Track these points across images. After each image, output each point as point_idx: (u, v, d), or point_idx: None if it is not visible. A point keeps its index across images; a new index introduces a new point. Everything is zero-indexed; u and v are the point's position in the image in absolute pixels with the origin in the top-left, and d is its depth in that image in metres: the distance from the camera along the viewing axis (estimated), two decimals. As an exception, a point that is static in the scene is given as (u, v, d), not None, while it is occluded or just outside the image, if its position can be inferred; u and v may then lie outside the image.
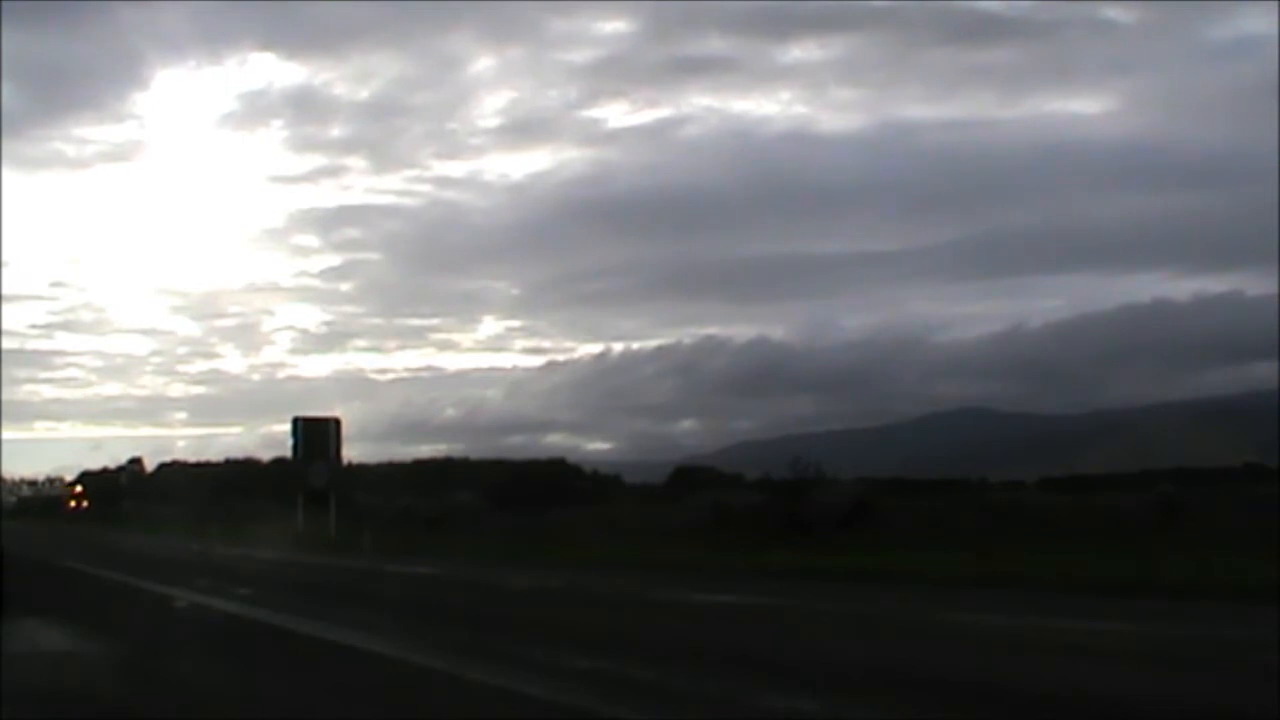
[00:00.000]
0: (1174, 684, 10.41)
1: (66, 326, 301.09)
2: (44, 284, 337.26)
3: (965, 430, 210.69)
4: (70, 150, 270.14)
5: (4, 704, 10.11)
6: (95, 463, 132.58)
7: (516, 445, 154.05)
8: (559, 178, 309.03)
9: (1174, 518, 34.15)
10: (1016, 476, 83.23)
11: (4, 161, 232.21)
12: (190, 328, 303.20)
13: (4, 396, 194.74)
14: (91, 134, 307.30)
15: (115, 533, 60.94)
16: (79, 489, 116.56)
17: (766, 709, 9.58)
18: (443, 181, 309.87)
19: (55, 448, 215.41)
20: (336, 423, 53.73)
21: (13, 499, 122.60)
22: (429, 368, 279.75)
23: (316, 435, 52.18)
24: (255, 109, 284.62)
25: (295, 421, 52.48)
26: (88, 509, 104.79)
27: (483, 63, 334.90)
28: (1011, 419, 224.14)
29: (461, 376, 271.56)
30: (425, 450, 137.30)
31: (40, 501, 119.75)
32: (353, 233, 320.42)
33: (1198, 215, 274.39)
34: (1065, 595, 19.04)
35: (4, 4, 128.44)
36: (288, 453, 54.31)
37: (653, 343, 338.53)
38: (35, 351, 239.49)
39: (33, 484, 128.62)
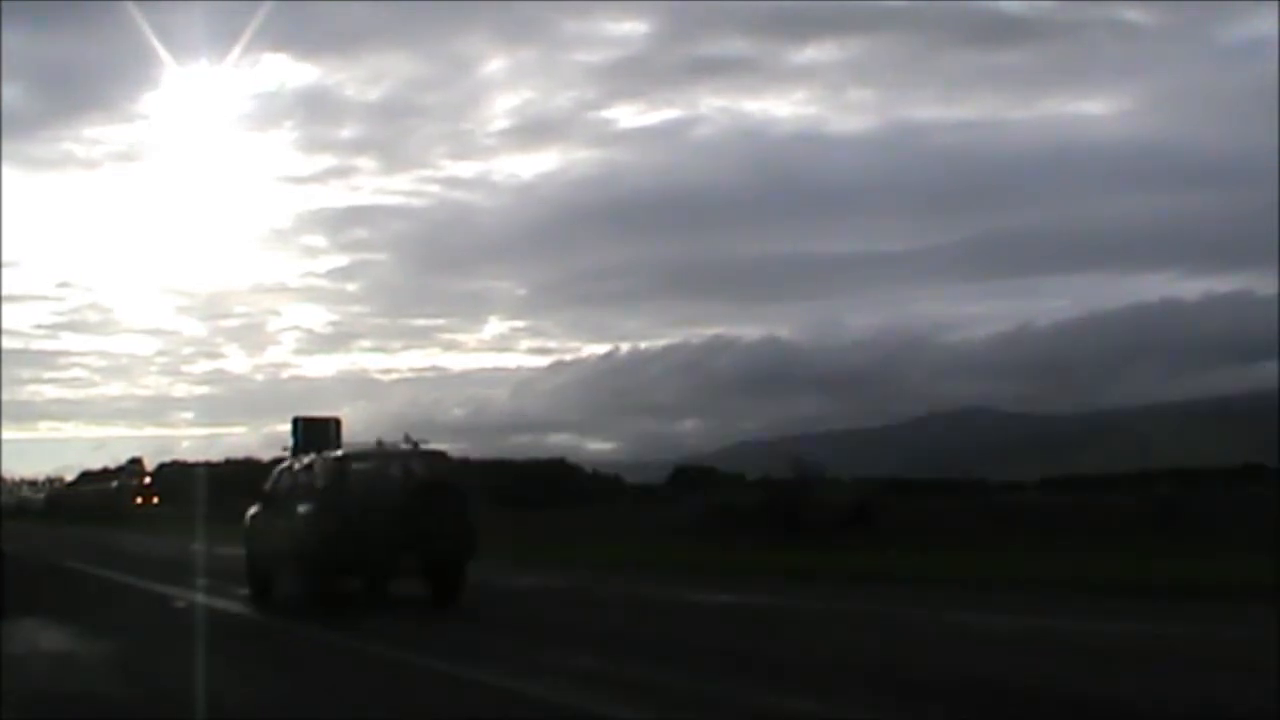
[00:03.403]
0: (1174, 684, 10.41)
1: (72, 327, 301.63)
2: (50, 284, 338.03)
3: (965, 430, 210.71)
4: (80, 151, 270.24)
5: (4, 704, 10.11)
6: (96, 463, 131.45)
7: (520, 445, 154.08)
8: (567, 178, 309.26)
9: (1174, 518, 34.13)
10: (1016, 476, 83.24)
11: (14, 162, 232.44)
12: (196, 328, 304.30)
13: (7, 396, 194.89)
14: (101, 134, 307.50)
15: (115, 532, 60.89)
16: (148, 480, 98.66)
17: (767, 709, 9.58)
18: (452, 182, 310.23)
19: (58, 448, 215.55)
20: (337, 422, 53.30)
21: (39, 497, 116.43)
22: (433, 368, 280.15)
23: (317, 435, 51.98)
24: (266, 110, 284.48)
25: (295, 421, 52.31)
26: (159, 506, 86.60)
27: (495, 64, 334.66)
28: (1012, 419, 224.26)
29: (466, 377, 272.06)
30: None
31: (77, 500, 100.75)
32: (360, 233, 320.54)
33: (1207, 215, 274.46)
34: (1065, 595, 19.04)
35: (15, 4, 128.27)
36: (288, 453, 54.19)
37: (660, 342, 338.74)
38: (40, 352, 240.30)
39: (33, 484, 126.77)
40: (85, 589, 24.80)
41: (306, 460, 20.52)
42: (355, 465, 19.12)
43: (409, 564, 18.22)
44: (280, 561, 19.47)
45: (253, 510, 21.84)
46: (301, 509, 18.79)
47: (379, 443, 19.96)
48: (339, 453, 20.20)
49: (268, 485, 21.82)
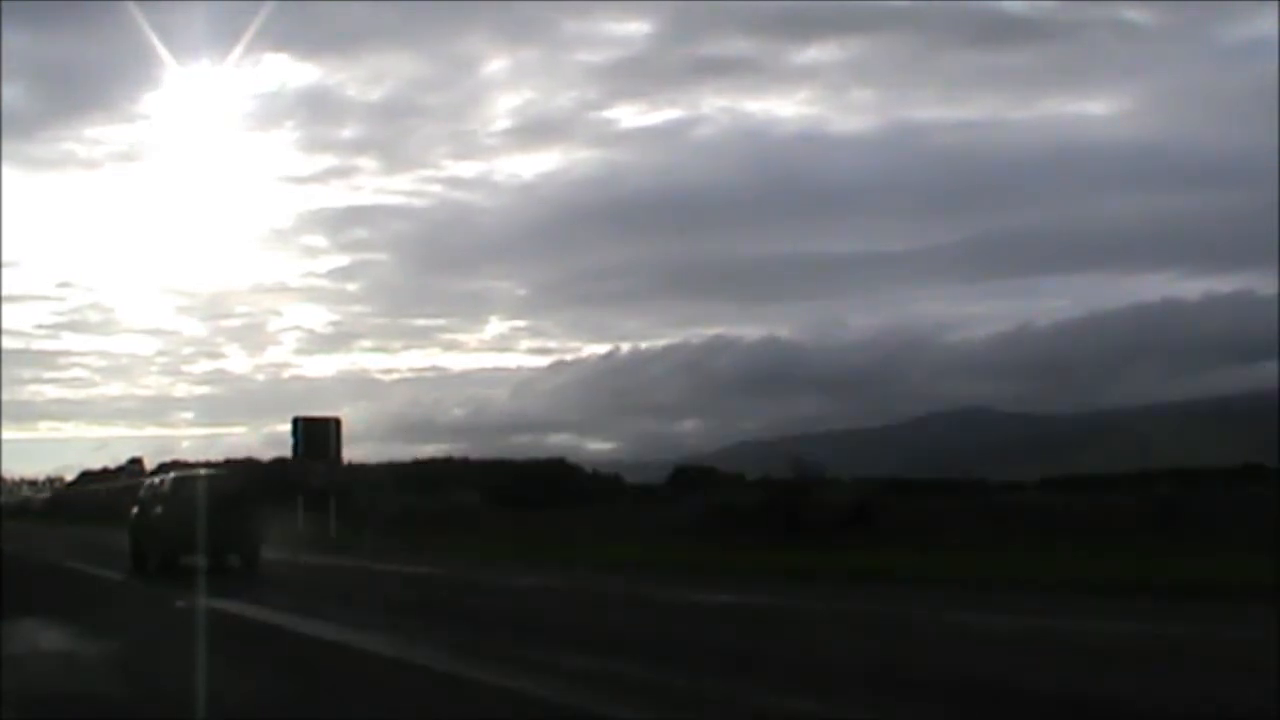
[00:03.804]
0: (1174, 684, 10.42)
1: (73, 327, 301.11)
2: (51, 284, 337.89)
3: (965, 430, 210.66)
4: (81, 151, 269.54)
5: (4, 704, 10.11)
6: (96, 463, 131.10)
7: (520, 445, 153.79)
8: (568, 178, 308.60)
9: (1174, 518, 34.11)
10: (1016, 476, 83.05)
11: (15, 162, 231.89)
12: (196, 328, 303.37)
13: (8, 396, 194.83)
14: (102, 134, 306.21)
15: (115, 532, 60.85)
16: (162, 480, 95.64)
17: (767, 709, 9.58)
18: (453, 182, 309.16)
19: (58, 448, 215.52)
20: (337, 422, 53.47)
21: (42, 496, 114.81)
22: (434, 368, 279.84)
23: (317, 435, 52.05)
24: (267, 109, 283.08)
25: (295, 421, 52.38)
26: None
27: (496, 64, 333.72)
28: (1011, 419, 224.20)
29: (466, 376, 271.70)
30: (430, 450, 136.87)
31: (84, 499, 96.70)
32: (361, 233, 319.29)
33: (1208, 215, 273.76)
34: (1065, 595, 19.05)
35: (16, 4, 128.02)
36: (289, 452, 54.17)
37: (661, 342, 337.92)
38: (41, 352, 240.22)
39: (33, 484, 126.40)
40: (85, 589, 24.80)
41: (161, 478, 31.77)
42: (187, 482, 29.47)
43: (221, 546, 27.54)
44: (148, 545, 28.70)
45: (134, 510, 31.03)
46: (157, 511, 28.61)
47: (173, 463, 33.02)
48: (175, 475, 31.34)
49: (141, 493, 31.76)
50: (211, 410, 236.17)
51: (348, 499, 56.83)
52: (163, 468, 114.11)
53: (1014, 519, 36.86)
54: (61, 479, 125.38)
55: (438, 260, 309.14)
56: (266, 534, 29.14)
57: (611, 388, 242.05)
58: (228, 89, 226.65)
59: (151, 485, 31.30)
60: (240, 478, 34.51)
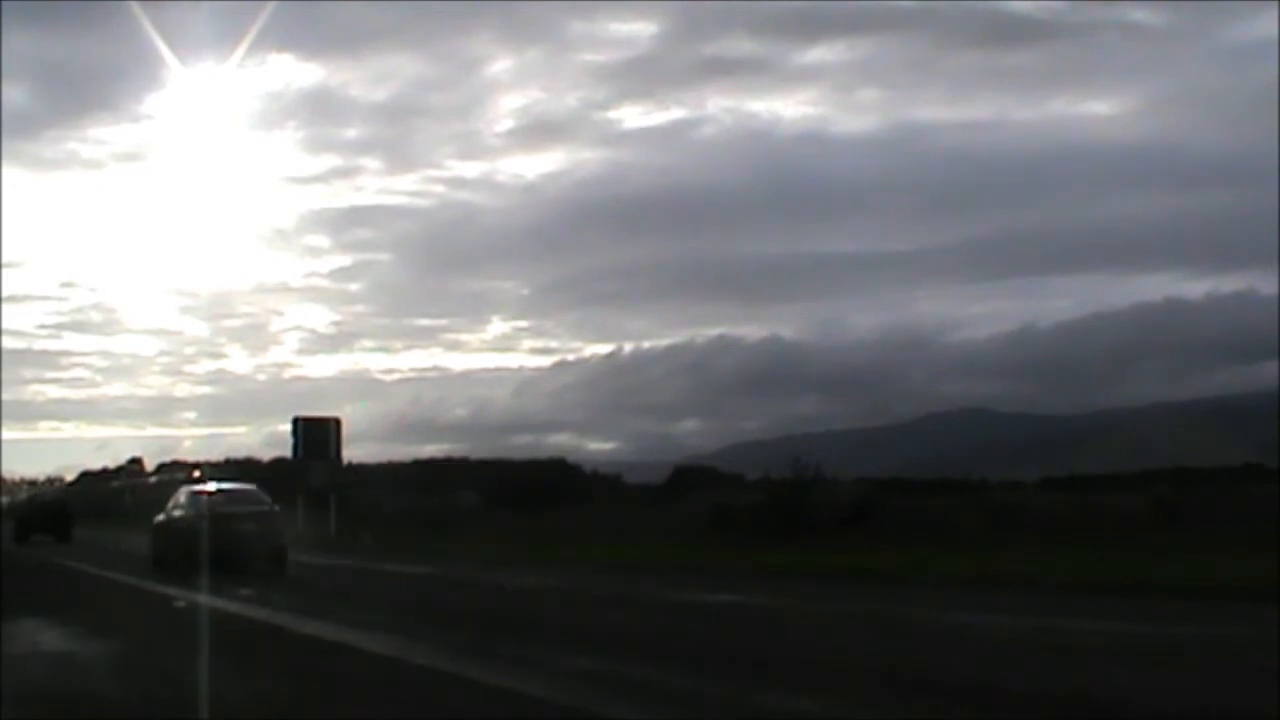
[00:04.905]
0: (1174, 684, 10.42)
1: (75, 327, 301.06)
2: (54, 284, 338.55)
3: (965, 430, 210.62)
4: (85, 151, 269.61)
5: (4, 704, 10.11)
6: (97, 462, 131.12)
7: (521, 445, 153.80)
8: (572, 178, 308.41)
9: (1174, 518, 34.12)
10: (1016, 476, 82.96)
11: (18, 162, 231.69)
12: (198, 328, 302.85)
13: (9, 396, 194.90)
14: (106, 135, 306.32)
15: (114, 532, 60.89)
16: (197, 475, 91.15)
17: (766, 709, 9.58)
18: (456, 182, 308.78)
19: (59, 448, 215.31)
20: (337, 422, 53.61)
21: (52, 496, 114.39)
22: (436, 368, 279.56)
23: (317, 435, 52.07)
24: (271, 110, 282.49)
25: (295, 421, 52.40)
26: None
27: (500, 64, 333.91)
28: (1011, 419, 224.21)
29: (468, 376, 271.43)
30: (430, 450, 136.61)
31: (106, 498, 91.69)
32: (364, 233, 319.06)
33: (1212, 215, 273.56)
34: (1065, 595, 19.05)
35: (19, 4, 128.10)
36: (289, 452, 54.18)
37: (664, 343, 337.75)
38: (43, 352, 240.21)
39: (33, 484, 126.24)
40: (85, 589, 24.80)
41: (25, 494, 74.37)
42: (35, 496, 66.28)
43: (51, 532, 49.52)
44: (16, 528, 50.48)
45: (8, 510, 58.79)
46: (20, 511, 55.46)
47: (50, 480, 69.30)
48: (31, 492, 77.18)
49: (16, 501, 64.28)
50: (213, 410, 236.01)
51: (348, 499, 56.87)
52: (161, 468, 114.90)
53: (1014, 519, 36.87)
54: (62, 479, 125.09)
55: (440, 260, 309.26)
56: (72, 526, 51.65)
57: (613, 388, 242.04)
58: (231, 89, 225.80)
59: (18, 497, 58.91)
60: (70, 495, 71.53)
